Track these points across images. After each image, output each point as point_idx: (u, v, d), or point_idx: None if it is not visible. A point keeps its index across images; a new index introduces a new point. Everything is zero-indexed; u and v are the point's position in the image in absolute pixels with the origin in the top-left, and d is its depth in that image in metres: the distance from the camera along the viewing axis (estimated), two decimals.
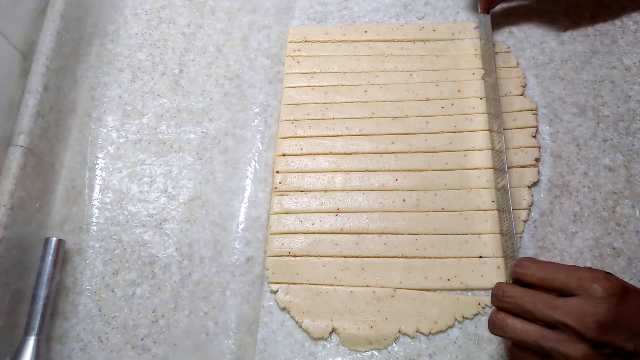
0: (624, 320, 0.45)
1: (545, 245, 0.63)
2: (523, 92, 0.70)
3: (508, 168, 0.64)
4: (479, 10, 0.73)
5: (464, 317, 0.61)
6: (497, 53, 0.73)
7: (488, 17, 0.72)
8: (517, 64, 0.72)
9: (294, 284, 0.64)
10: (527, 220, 0.64)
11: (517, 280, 0.51)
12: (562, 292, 0.47)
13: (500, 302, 0.50)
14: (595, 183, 0.65)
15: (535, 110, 0.69)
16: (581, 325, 0.44)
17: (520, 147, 0.67)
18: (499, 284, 0.51)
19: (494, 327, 0.50)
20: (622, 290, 0.45)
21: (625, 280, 0.60)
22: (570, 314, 0.45)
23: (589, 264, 0.62)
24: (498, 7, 0.74)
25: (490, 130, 0.68)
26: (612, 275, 0.47)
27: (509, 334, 0.49)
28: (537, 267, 0.49)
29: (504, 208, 0.63)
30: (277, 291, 0.63)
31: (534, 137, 0.68)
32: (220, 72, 0.75)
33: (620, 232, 0.63)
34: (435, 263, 0.63)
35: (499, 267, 0.62)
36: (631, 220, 0.63)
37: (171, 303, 0.64)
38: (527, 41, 0.74)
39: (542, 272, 0.49)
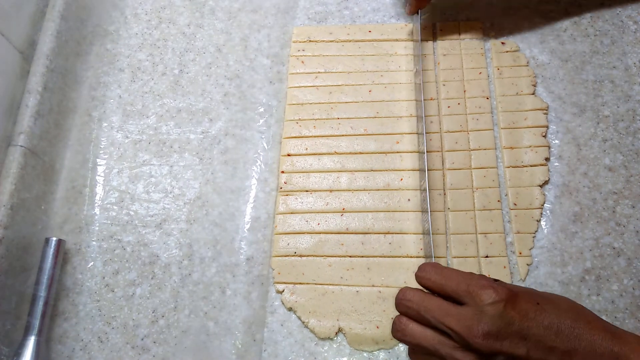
0: (514, 326, 0.44)
1: (545, 245, 0.63)
2: (534, 91, 0.71)
3: (518, 167, 0.66)
4: (406, 12, 0.74)
5: None
6: (507, 52, 0.73)
7: (417, 17, 0.73)
8: (527, 62, 0.72)
9: (300, 283, 0.64)
10: (539, 220, 0.64)
11: (421, 285, 0.50)
12: (454, 300, 0.47)
13: (401, 306, 0.49)
14: (595, 183, 0.66)
15: (546, 110, 0.69)
16: (469, 335, 0.44)
17: (530, 147, 0.67)
18: (403, 288, 0.50)
19: (395, 331, 0.49)
20: (508, 297, 0.44)
21: (625, 280, 0.60)
22: (459, 322, 0.44)
23: (588, 264, 0.62)
24: (499, 8, 0.75)
25: (418, 133, 0.69)
26: (500, 282, 0.46)
27: (407, 338, 0.48)
28: (434, 272, 0.49)
29: (424, 209, 0.64)
30: (283, 291, 0.63)
31: (544, 136, 0.68)
32: (220, 72, 0.75)
33: (620, 232, 0.63)
34: (440, 263, 0.63)
35: (505, 267, 0.62)
36: (631, 220, 0.64)
37: (171, 303, 0.64)
38: (527, 41, 0.74)
39: (437, 278, 0.48)
